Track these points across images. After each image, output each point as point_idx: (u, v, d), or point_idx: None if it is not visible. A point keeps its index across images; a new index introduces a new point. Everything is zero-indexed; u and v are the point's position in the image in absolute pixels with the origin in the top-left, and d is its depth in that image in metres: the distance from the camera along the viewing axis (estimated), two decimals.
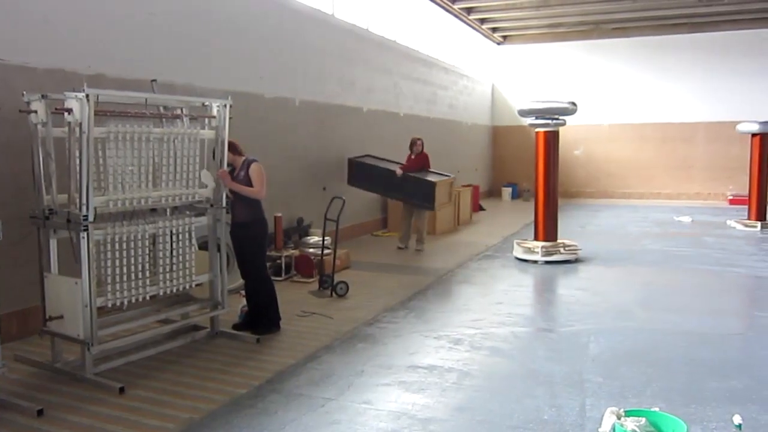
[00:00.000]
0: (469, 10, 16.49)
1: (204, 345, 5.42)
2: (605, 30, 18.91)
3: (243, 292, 5.93)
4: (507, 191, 19.56)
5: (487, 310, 6.57)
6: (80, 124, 4.32)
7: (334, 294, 7.05)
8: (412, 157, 10.35)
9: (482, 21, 17.78)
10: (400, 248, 10.21)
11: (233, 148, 5.62)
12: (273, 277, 6.20)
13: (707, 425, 3.80)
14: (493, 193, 20.10)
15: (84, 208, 4.37)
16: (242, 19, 8.34)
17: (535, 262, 9.00)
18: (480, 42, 19.41)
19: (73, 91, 4.37)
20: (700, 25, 17.99)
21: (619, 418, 3.38)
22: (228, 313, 5.74)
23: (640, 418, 3.33)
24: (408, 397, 4.31)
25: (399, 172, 10.02)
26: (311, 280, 7.80)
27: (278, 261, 7.94)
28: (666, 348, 5.36)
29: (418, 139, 10.36)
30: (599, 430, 3.50)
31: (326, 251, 7.66)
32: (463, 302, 6.97)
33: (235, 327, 5.80)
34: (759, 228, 12.36)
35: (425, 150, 10.48)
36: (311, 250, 8.10)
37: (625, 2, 15.69)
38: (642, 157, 19.14)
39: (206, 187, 5.36)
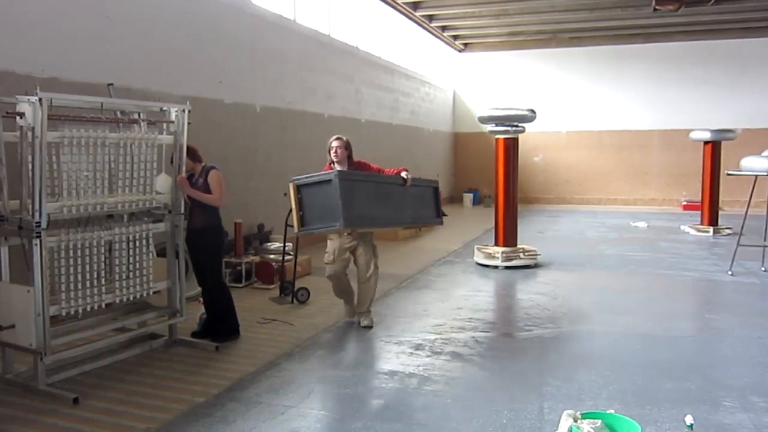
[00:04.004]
0: (431, 18, 16.61)
1: (162, 353, 5.33)
2: (563, 39, 19.27)
3: (201, 300, 5.86)
4: (468, 197, 19.73)
5: (447, 315, 6.61)
6: (33, 129, 4.21)
7: (295, 301, 7.01)
8: (335, 166, 6.01)
9: (443, 28, 17.93)
10: (351, 322, 6.35)
11: (193, 154, 5.55)
12: (233, 284, 6.15)
13: (661, 426, 3.88)
14: (455, 199, 20.26)
15: (37, 214, 4.26)
16: (201, 23, 8.25)
17: (496, 267, 9.09)
18: (442, 49, 19.57)
19: (26, 94, 4.27)
20: (654, 36, 18.47)
21: (575, 421, 3.43)
22: (186, 320, 5.66)
23: (596, 420, 3.39)
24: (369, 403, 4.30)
25: (408, 176, 5.99)
26: (272, 286, 7.74)
27: (238, 267, 7.86)
28: (622, 351, 5.47)
29: (338, 138, 6.08)
30: None
31: (287, 257, 7.62)
32: (423, 308, 7.01)
33: (194, 335, 5.71)
34: (711, 233, 12.72)
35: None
36: (272, 256, 8.04)
37: (582, 12, 16.00)
38: (599, 164, 19.53)
39: (160, 193, 5.28)
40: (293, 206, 5.56)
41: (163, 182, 5.27)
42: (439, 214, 6.70)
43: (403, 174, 6.00)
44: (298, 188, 5.56)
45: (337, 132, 6.39)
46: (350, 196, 5.37)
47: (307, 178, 5.57)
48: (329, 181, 5.35)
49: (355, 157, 6.09)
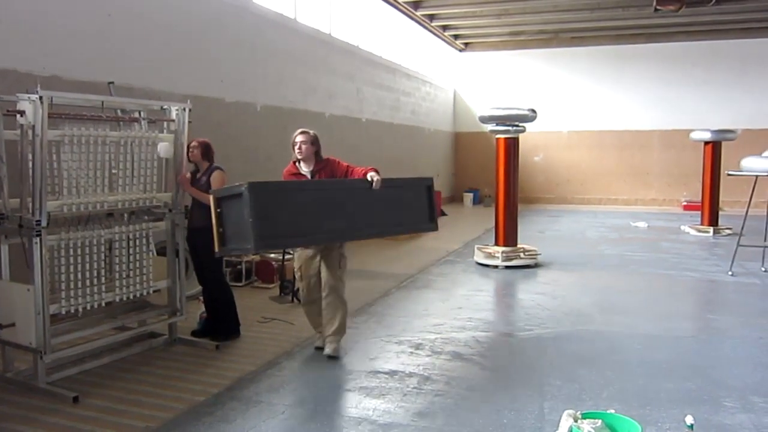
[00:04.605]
0: (432, 17, 16.61)
1: (162, 352, 5.32)
2: (564, 39, 19.26)
3: (201, 299, 5.85)
4: (468, 197, 19.72)
5: (447, 315, 6.60)
6: (33, 127, 4.21)
7: (295, 300, 7.00)
8: (300, 164, 5.29)
9: (444, 28, 17.92)
10: (319, 349, 5.36)
11: (207, 150, 5.56)
12: (233, 283, 6.13)
13: (661, 426, 3.88)
14: (455, 198, 20.24)
15: (37, 212, 4.26)
16: (202, 22, 8.25)
17: (496, 267, 9.09)
18: (442, 49, 19.56)
19: (27, 92, 4.26)
20: (655, 36, 18.46)
21: (576, 421, 3.43)
22: (186, 319, 5.66)
23: (596, 420, 3.39)
24: (369, 402, 4.30)
25: (376, 178, 4.99)
26: (272, 285, 7.74)
27: (238, 266, 7.86)
28: (622, 351, 5.46)
29: (303, 132, 5.33)
30: None
31: (287, 256, 7.61)
32: (423, 307, 7.00)
33: (194, 334, 5.71)
34: (711, 233, 12.71)
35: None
36: (272, 255, 8.03)
37: (583, 12, 16.00)
38: (600, 164, 19.51)
39: (161, 156, 5.26)
40: (213, 221, 4.71)
41: (167, 148, 5.26)
42: (433, 218, 5.52)
43: (370, 175, 4.99)
44: (218, 201, 4.66)
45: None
46: (270, 211, 4.47)
47: (225, 189, 4.75)
48: (241, 194, 4.43)
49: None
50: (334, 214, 4.91)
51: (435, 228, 5.59)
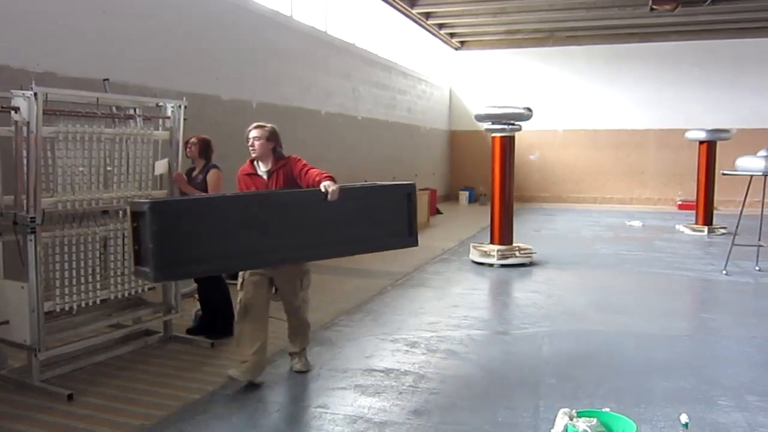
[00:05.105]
0: (428, 15, 16.60)
1: (157, 350, 5.31)
2: (560, 38, 19.29)
3: (197, 296, 5.84)
4: (464, 195, 19.74)
5: (443, 313, 6.61)
6: (28, 124, 4.19)
7: None
8: (258, 163, 4.74)
9: (440, 26, 17.92)
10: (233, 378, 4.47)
11: (204, 148, 5.52)
12: (229, 281, 6.08)
13: (656, 424, 3.89)
14: (451, 197, 20.25)
15: (31, 209, 4.24)
16: (198, 18, 8.22)
17: (491, 265, 9.09)
18: (438, 47, 19.56)
19: (21, 89, 4.24)
20: (650, 35, 18.50)
21: (571, 419, 3.44)
22: (182, 317, 5.64)
23: (591, 419, 3.40)
24: (364, 400, 4.30)
25: (332, 188, 4.23)
26: None
27: None
28: (617, 349, 5.47)
29: (258, 126, 4.77)
30: (552, 431, 3.55)
31: None
32: (419, 305, 7.00)
33: (189, 331, 5.69)
34: (706, 232, 12.74)
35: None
36: None
37: (579, 11, 16.03)
38: (595, 163, 19.56)
39: (159, 176, 5.26)
40: (130, 236, 4.05)
41: (164, 165, 5.25)
42: (412, 232, 4.70)
43: (324, 185, 4.22)
44: (134, 215, 3.91)
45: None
46: (180, 234, 3.84)
47: (136, 204, 4.00)
48: (144, 213, 3.76)
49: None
50: (280, 232, 4.19)
51: (415, 243, 4.77)
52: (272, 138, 4.64)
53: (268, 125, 4.71)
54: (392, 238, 4.74)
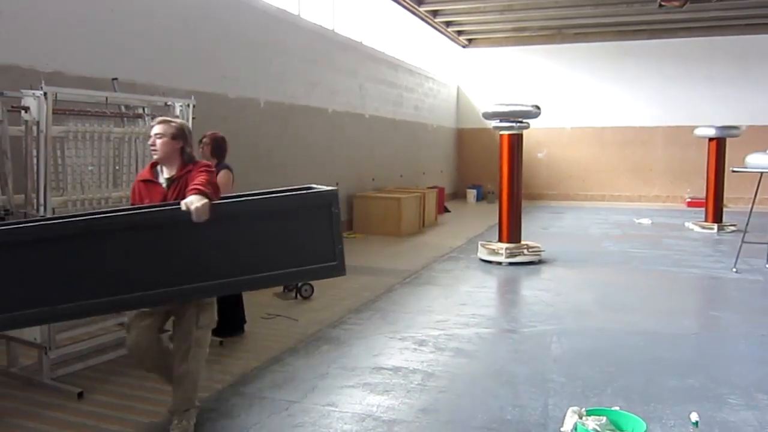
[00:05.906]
0: (435, 13, 16.59)
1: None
2: (568, 35, 19.22)
3: None
4: (472, 193, 19.71)
5: (451, 311, 6.60)
6: (38, 123, 4.22)
7: (299, 296, 7.01)
8: (162, 169, 3.80)
9: (448, 24, 17.89)
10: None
11: (217, 147, 5.40)
12: None
13: (665, 423, 3.88)
14: (458, 195, 20.23)
15: (41, 208, 4.26)
16: (205, 17, 8.24)
17: (499, 263, 9.08)
18: (446, 45, 19.53)
19: (31, 88, 4.27)
20: (658, 32, 18.41)
21: (580, 417, 3.43)
22: None
23: (600, 417, 3.40)
24: (372, 398, 4.31)
25: (195, 205, 3.18)
26: None
27: None
28: (626, 347, 5.45)
29: (164, 121, 3.81)
30: (561, 429, 3.55)
31: None
32: (427, 303, 7.00)
33: None
34: (715, 230, 12.68)
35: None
36: None
37: (587, 8, 15.97)
38: (603, 160, 19.49)
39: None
40: None
41: None
42: (336, 255, 3.47)
43: (186, 202, 3.20)
44: None
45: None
46: None
47: None
48: None
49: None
50: (138, 265, 3.19)
51: (342, 271, 3.52)
52: (179, 136, 3.69)
53: (177, 120, 3.90)
54: (310, 266, 3.51)
